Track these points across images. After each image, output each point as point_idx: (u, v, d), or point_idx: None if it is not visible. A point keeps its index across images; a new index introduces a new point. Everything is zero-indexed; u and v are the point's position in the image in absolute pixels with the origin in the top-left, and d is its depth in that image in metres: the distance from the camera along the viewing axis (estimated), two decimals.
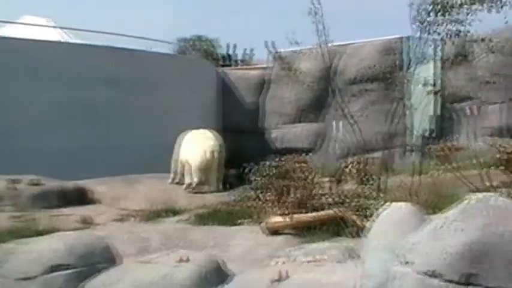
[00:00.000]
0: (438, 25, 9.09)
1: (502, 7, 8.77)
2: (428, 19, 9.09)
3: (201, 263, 6.22)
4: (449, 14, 8.96)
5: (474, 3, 8.85)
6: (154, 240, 8.23)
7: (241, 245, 7.82)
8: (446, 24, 9.05)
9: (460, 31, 9.03)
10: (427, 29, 9.14)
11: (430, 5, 9.06)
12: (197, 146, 12.57)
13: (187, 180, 12.27)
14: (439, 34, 9.24)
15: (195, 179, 12.18)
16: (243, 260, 7.20)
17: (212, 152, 12.39)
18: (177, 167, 12.79)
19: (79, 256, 6.52)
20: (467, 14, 8.89)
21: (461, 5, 8.92)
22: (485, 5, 8.83)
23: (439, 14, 9.01)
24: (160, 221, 9.73)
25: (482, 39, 9.33)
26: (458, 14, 8.94)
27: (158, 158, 14.32)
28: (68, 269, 6.39)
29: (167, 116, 16.92)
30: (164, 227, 9.09)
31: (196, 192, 11.97)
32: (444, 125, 16.02)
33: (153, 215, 9.97)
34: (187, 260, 6.22)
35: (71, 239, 6.96)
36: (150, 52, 18.71)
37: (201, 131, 13.15)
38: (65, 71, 15.73)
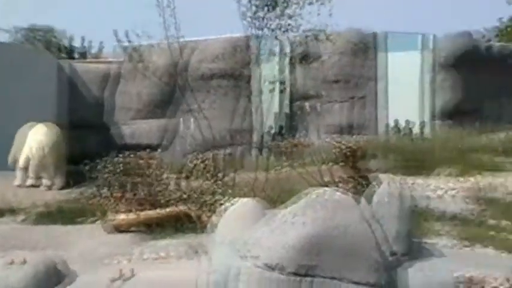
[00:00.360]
0: (269, 20, 9.17)
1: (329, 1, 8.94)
2: (258, 14, 9.16)
3: (37, 264, 5.90)
4: (278, 9, 9.08)
5: None
6: None
7: (83, 244, 7.51)
8: (278, 19, 9.16)
9: (290, 25, 9.18)
10: (257, 24, 9.21)
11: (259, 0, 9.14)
12: (28, 141, 11.92)
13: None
14: (271, 30, 9.32)
15: (31, 175, 11.59)
16: (85, 259, 6.92)
17: (41, 149, 11.77)
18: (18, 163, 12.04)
19: None
20: (297, 8, 9.03)
21: None
22: None
23: (269, 9, 9.11)
24: None
25: (327, 38, 9.57)
26: (286, 8, 9.07)
27: None
28: None
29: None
30: (1, 227, 8.52)
31: (33, 187, 11.34)
32: (291, 122, 16.55)
33: None
34: (24, 262, 5.87)
35: None
36: None
37: (39, 125, 12.40)
38: None
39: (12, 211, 9.54)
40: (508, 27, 26.79)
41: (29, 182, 11.70)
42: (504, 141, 11.58)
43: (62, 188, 11.57)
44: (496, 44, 20.56)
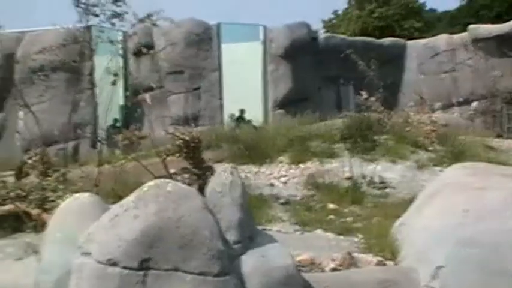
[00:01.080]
0: (97, 6, 9.04)
1: None
2: (90, 2, 9.01)
3: None
4: None
5: None
6: None
7: None
8: (104, 6, 9.05)
9: (117, 13, 9.11)
10: (88, 11, 9.04)
11: None
12: None
13: None
14: (97, 16, 9.18)
15: None
16: None
17: None
18: None
19: None
20: None
21: None
22: None
23: None
24: None
25: (154, 24, 9.53)
26: None
27: None
28: None
29: None
30: None
31: None
32: (130, 114, 16.37)
33: None
34: None
35: None
36: None
37: None
38: None
39: None
40: (339, 19, 28.42)
41: None
42: (333, 129, 12.30)
43: None
44: (329, 35, 21.75)
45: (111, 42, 10.74)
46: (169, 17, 9.31)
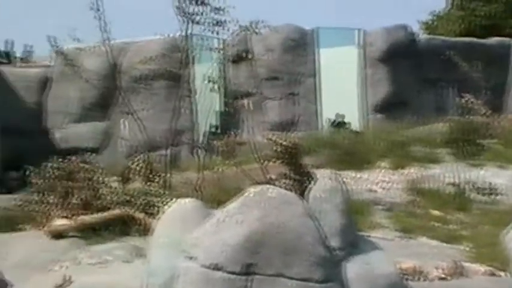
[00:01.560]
0: (199, 15, 9.17)
1: None
2: (191, 10, 9.15)
3: None
4: (207, 4, 9.07)
5: None
6: None
7: (22, 251, 7.36)
8: (207, 14, 9.15)
9: (219, 21, 9.18)
10: (190, 20, 9.19)
11: None
12: None
13: None
14: (200, 24, 9.28)
15: None
16: (24, 267, 6.80)
17: None
18: None
19: None
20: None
21: None
22: None
23: (198, 2, 9.09)
24: None
25: (256, 32, 9.58)
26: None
27: None
28: None
29: None
30: None
31: None
32: (228, 121, 16.60)
33: None
34: None
35: None
36: None
37: None
38: None
39: None
40: (433, 21, 27.51)
41: None
42: (436, 133, 11.94)
43: None
44: (429, 37, 21.14)
45: (211, 49, 10.94)
46: (269, 25, 9.32)
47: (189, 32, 9.28)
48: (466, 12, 24.87)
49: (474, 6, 24.79)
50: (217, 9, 9.06)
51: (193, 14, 9.12)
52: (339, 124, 17.31)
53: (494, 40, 20.56)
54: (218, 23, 9.14)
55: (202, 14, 9.11)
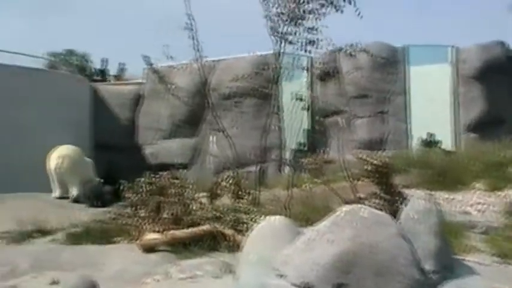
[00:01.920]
0: (292, 35, 9.17)
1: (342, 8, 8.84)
2: (286, 30, 9.16)
3: (74, 284, 5.97)
4: (301, 24, 9.06)
5: (323, 6, 8.93)
6: (22, 262, 7.78)
7: (116, 263, 7.58)
8: (300, 33, 9.14)
9: (312, 40, 9.13)
10: (283, 39, 9.21)
11: (281, 14, 9.10)
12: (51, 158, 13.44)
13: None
14: (299, 44, 9.28)
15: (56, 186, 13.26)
16: (118, 279, 6.99)
17: (59, 163, 13.24)
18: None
19: None
20: (316, 19, 8.95)
21: (310, 11, 9.05)
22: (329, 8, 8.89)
23: (292, 23, 9.10)
24: (29, 242, 9.24)
25: (350, 54, 9.49)
26: (307, 20, 9.03)
27: (25, 177, 13.69)
28: None
29: (37, 133, 16.23)
30: (34, 248, 8.63)
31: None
32: (316, 138, 16.53)
33: (22, 236, 9.45)
34: (57, 282, 5.95)
35: None
36: (18, 67, 17.79)
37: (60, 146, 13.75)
38: None
39: (45, 232, 9.66)
40: None
41: (57, 192, 13.30)
42: None
43: (77, 202, 12.82)
44: None
45: (302, 68, 10.93)
46: (359, 45, 9.23)
47: (282, 50, 9.30)
48: None
49: None
50: (310, 29, 9.06)
51: (286, 34, 9.16)
52: (429, 143, 16.89)
53: None
54: (311, 43, 9.12)
55: (295, 33, 9.13)
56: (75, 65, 22.40)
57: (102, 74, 23.04)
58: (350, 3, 8.72)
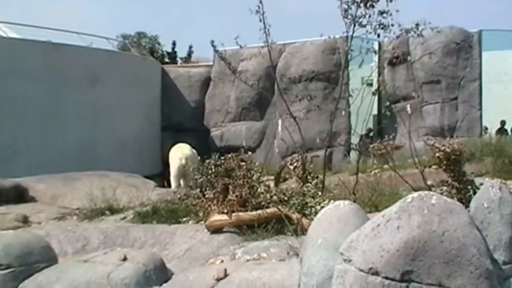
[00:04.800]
0: (366, 17, 9.03)
1: None
2: (358, 13, 9.03)
3: (142, 261, 6.15)
4: (373, 6, 8.90)
5: None
6: (93, 239, 8.08)
7: (183, 243, 7.76)
8: (371, 16, 8.98)
9: (383, 24, 8.98)
10: (356, 22, 9.08)
11: None
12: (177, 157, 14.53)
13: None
14: (365, 27, 9.14)
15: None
16: (184, 258, 7.16)
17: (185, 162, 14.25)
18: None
19: (16, 256, 6.36)
20: (388, 1, 8.79)
21: None
22: None
23: (367, 5, 8.95)
24: (100, 219, 9.57)
25: (419, 34, 9.26)
26: (388, 2, 8.84)
27: (94, 156, 14.14)
28: (4, 269, 6.22)
29: (112, 113, 16.71)
30: (104, 225, 8.93)
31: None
32: (384, 124, 16.34)
33: (93, 214, 9.80)
34: (125, 259, 6.16)
35: (7, 238, 6.75)
36: (94, 49, 18.35)
37: (183, 145, 15.04)
38: (4, 67, 15.34)
39: (116, 211, 9.97)
40: None
41: (175, 184, 14.26)
42: None
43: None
44: None
45: (372, 52, 10.76)
46: (431, 26, 9.00)
47: (353, 34, 9.18)
48: None
49: None
50: (382, 13, 8.89)
51: (359, 17, 9.03)
52: (503, 130, 16.40)
53: None
54: (382, 26, 8.96)
55: (368, 16, 8.99)
56: (146, 47, 22.84)
57: (173, 57, 23.42)
58: None
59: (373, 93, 9.58)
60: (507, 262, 4.79)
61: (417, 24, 8.88)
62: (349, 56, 10.11)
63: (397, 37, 9.46)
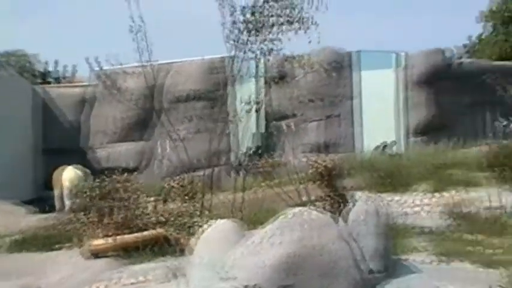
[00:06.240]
0: (252, 44, 9.30)
1: (307, 30, 9.14)
2: (242, 38, 9.28)
3: None
4: (261, 34, 9.23)
5: (283, 24, 9.18)
6: None
7: (60, 270, 7.43)
8: (260, 43, 9.28)
9: (272, 49, 9.31)
10: (241, 47, 9.33)
11: (242, 23, 9.25)
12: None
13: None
14: (253, 52, 9.45)
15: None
16: (62, 286, 6.87)
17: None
18: None
19: None
20: (278, 33, 9.18)
21: (272, 25, 9.22)
22: (293, 25, 9.18)
23: (251, 33, 9.24)
24: None
25: (302, 61, 9.67)
26: (269, 33, 9.21)
27: None
28: None
29: None
30: None
31: None
32: (268, 142, 16.63)
33: None
34: None
35: None
36: None
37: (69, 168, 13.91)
38: None
39: None
40: (476, 45, 27.31)
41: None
42: (477, 157, 11.74)
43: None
44: (467, 61, 20.91)
45: (253, 73, 11.02)
46: (308, 54, 9.51)
47: (234, 56, 9.39)
48: (507, 37, 24.62)
49: None
50: (272, 40, 9.23)
51: (244, 43, 9.28)
52: (379, 147, 17.17)
53: None
54: (265, 52, 9.31)
55: (249, 43, 9.27)
56: (18, 67, 21.77)
57: (49, 76, 22.59)
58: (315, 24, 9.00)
59: (255, 111, 9.76)
60: (378, 271, 5.01)
61: (298, 55, 9.32)
62: (233, 77, 10.26)
63: (286, 60, 9.82)
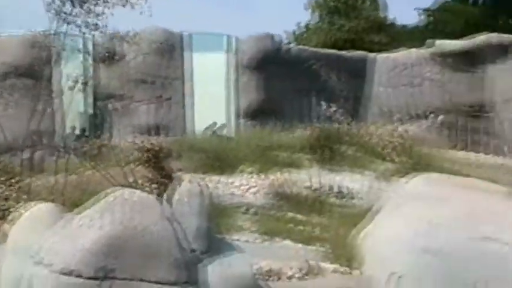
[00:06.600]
0: (76, 17, 8.91)
1: (135, 5, 8.91)
2: (64, 9, 8.86)
3: None
4: (85, 6, 8.87)
5: None
6: None
7: None
8: (84, 16, 8.92)
9: (97, 24, 9.01)
10: (64, 19, 8.91)
11: None
12: None
13: None
14: (77, 26, 9.07)
15: None
16: None
17: None
18: None
19: None
20: (104, 8, 8.89)
21: None
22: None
23: (75, 3, 8.85)
24: None
25: (133, 41, 9.46)
26: (95, 5, 8.89)
27: None
28: None
29: None
30: None
31: None
32: (95, 122, 16.16)
33: None
34: None
35: None
36: None
37: None
38: None
39: None
40: (304, 33, 28.52)
41: None
42: (301, 139, 12.31)
43: None
44: (295, 47, 21.79)
45: (79, 50, 10.60)
46: (137, 32, 9.29)
47: (58, 29, 8.93)
48: (334, 26, 25.97)
49: (342, 21, 25.96)
50: (97, 15, 8.84)
51: (65, 13, 8.82)
52: (210, 129, 17.39)
53: (354, 53, 21.56)
54: (94, 26, 8.93)
55: (76, 15, 8.84)
56: None
57: None
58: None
59: (82, 90, 9.43)
60: (201, 250, 5.11)
61: (127, 33, 9.09)
62: (56, 53, 9.80)
63: (112, 39, 9.53)
